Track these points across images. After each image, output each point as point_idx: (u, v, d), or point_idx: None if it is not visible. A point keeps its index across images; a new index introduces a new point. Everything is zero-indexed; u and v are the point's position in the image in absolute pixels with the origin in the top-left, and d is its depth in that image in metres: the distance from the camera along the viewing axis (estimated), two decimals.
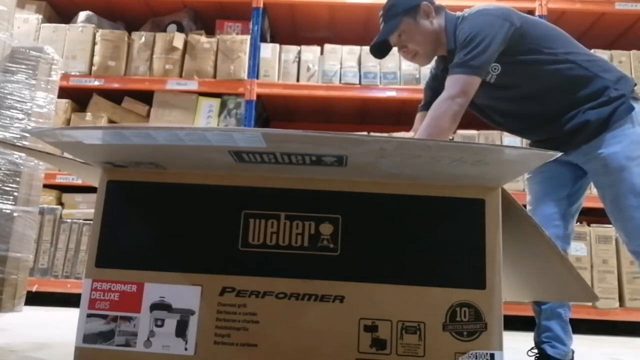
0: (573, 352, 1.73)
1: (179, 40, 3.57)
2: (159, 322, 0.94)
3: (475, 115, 1.83)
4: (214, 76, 3.57)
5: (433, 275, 0.94)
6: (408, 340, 0.92)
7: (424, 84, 1.97)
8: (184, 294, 0.95)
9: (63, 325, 2.32)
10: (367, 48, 3.62)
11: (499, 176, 0.94)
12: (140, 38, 3.64)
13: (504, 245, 0.95)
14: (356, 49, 3.65)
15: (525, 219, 1.00)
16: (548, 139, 1.73)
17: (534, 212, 1.76)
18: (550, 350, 1.68)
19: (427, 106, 1.84)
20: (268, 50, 3.65)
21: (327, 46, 3.67)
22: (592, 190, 3.33)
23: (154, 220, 0.99)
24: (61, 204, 3.45)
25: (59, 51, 3.41)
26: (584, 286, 1.11)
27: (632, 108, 1.63)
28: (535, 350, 1.72)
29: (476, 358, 0.91)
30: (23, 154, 2.59)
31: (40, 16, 3.73)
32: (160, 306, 0.95)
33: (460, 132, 3.34)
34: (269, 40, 3.89)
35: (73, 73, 3.55)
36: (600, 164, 1.63)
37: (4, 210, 2.50)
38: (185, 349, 0.93)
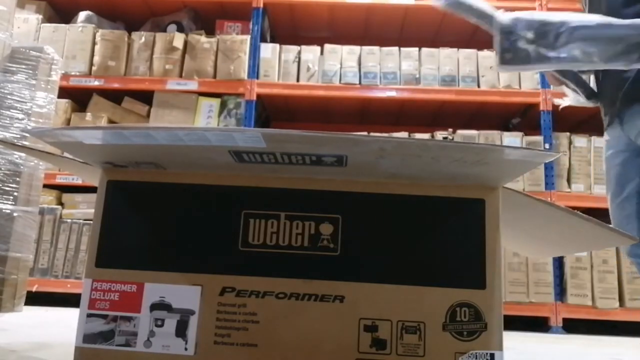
0: None
1: (179, 40, 3.57)
2: (159, 322, 0.94)
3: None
4: (214, 76, 3.57)
5: (433, 275, 0.94)
6: (408, 340, 0.92)
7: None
8: (184, 294, 0.95)
9: (63, 325, 2.32)
10: (367, 48, 3.66)
11: (499, 176, 0.94)
12: (140, 38, 3.64)
13: (517, 224, 0.94)
14: (356, 49, 3.65)
15: (531, 202, 0.99)
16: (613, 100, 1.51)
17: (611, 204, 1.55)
18: None
19: None
20: (268, 50, 3.65)
21: (327, 46, 3.67)
22: (593, 191, 3.34)
23: (154, 220, 0.99)
24: (61, 204, 3.45)
25: (59, 51, 3.41)
26: (618, 233, 1.10)
27: None
28: None
29: (476, 358, 0.91)
30: (23, 154, 2.59)
31: (40, 16, 3.73)
32: (160, 306, 0.95)
33: (460, 132, 3.33)
34: (269, 40, 3.88)
35: (73, 73, 3.55)
36: None
37: (4, 210, 2.50)
38: (185, 349, 0.93)
